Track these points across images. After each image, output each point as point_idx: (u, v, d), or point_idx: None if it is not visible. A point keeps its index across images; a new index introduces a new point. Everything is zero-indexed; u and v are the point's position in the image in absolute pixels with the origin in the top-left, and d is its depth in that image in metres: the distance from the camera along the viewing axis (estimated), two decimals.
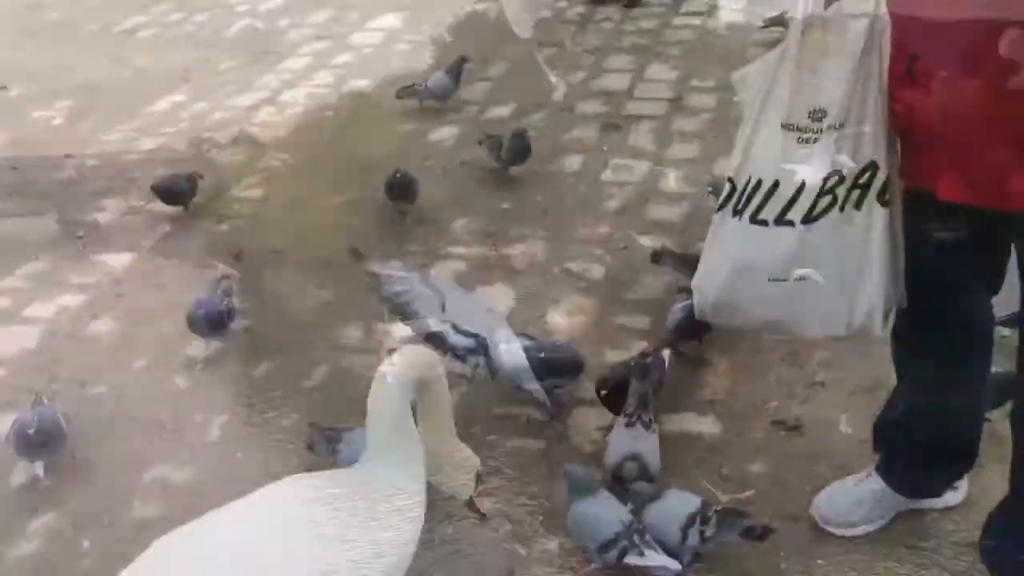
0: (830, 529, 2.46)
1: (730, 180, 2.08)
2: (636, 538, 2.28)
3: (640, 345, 3.23)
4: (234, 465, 2.86)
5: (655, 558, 2.26)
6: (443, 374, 2.04)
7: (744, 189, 2.05)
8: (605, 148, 4.63)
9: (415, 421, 1.99)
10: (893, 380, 2.50)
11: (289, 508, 1.86)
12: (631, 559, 2.27)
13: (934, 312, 2.11)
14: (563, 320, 3.40)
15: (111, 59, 6.30)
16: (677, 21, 6.12)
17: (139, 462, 2.88)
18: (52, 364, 3.37)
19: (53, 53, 6.47)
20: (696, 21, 6.11)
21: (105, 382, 3.26)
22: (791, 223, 2.00)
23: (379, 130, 5.06)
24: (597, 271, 3.69)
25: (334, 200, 4.39)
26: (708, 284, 2.17)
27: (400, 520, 1.88)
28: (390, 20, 6.57)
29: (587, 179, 4.38)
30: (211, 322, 3.27)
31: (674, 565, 2.25)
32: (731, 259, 2.09)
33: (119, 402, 3.16)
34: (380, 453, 1.91)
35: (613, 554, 2.29)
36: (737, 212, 2.07)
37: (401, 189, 4.09)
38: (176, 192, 4.25)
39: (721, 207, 2.12)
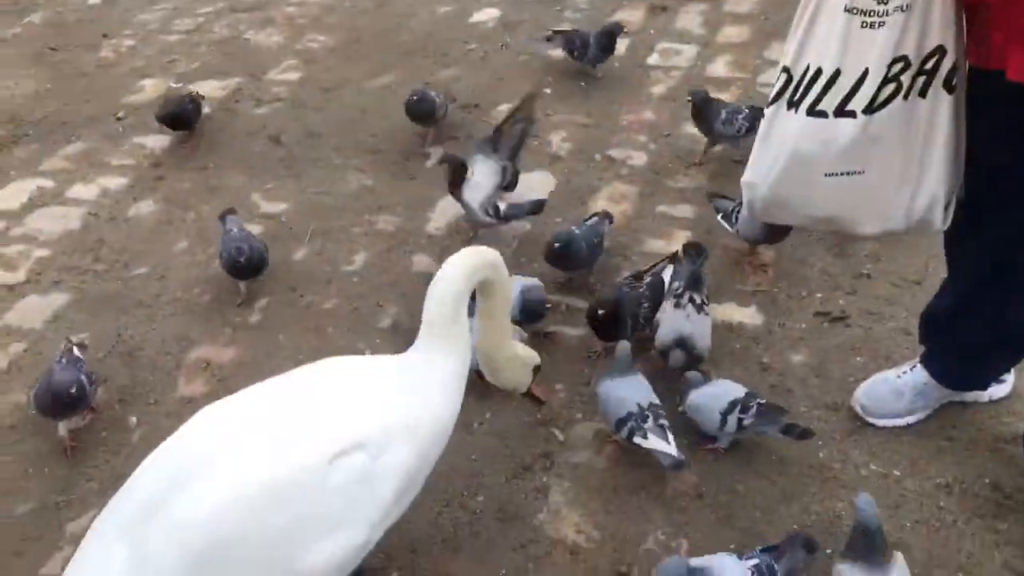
0: (870, 420, 2.44)
1: (785, 70, 1.96)
2: (649, 420, 2.29)
3: (683, 235, 3.18)
4: (275, 347, 2.89)
5: (656, 443, 2.27)
6: (507, 275, 2.03)
7: (801, 79, 1.92)
8: (652, 31, 4.47)
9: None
10: (941, 272, 2.45)
11: (328, 380, 1.88)
12: (637, 440, 2.29)
13: (994, 202, 2.02)
14: (604, 207, 3.34)
15: None
16: None
17: (183, 342, 2.92)
18: (95, 245, 3.39)
19: None
20: None
21: (147, 263, 3.29)
22: (852, 114, 1.89)
23: (419, 11, 4.92)
24: (640, 159, 3.61)
25: (373, 83, 4.30)
26: (760, 180, 2.06)
27: (437, 398, 1.90)
28: None
29: (632, 63, 4.24)
30: (249, 267, 3.01)
31: (673, 451, 2.25)
32: (785, 154, 1.98)
33: (162, 283, 3.20)
34: (429, 340, 1.92)
35: (624, 432, 2.32)
36: (793, 104, 1.95)
37: (418, 112, 3.71)
38: (181, 117, 3.89)
39: (775, 99, 2.00)
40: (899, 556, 1.91)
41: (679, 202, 3.35)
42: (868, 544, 1.88)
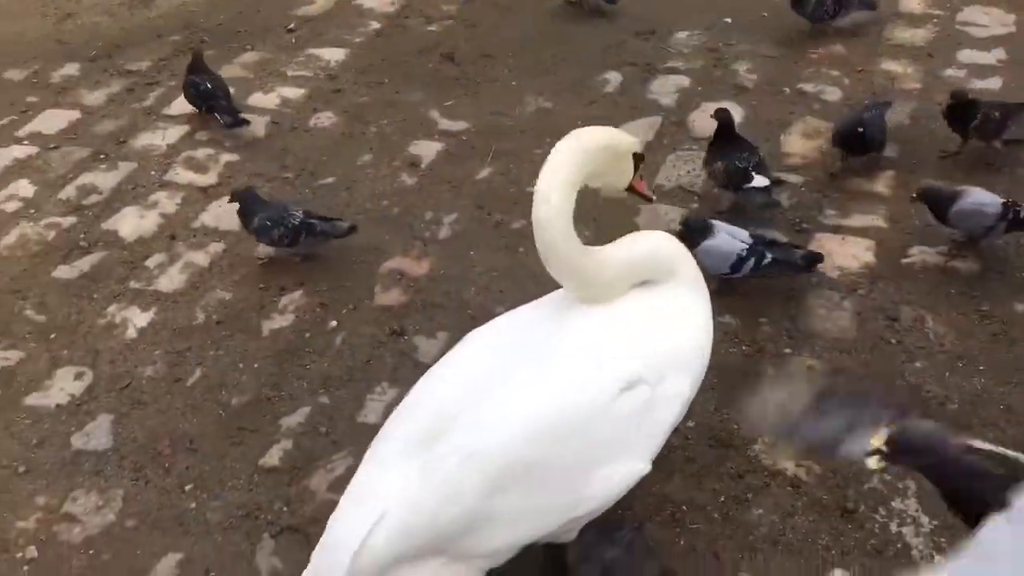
0: None
1: None
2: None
3: (887, 175, 3.05)
4: (467, 262, 2.89)
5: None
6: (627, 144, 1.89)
7: None
8: None
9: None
10: None
11: (592, 310, 1.84)
12: None
13: None
14: (798, 142, 3.23)
15: None
16: None
17: (377, 253, 2.94)
18: (281, 153, 3.43)
19: None
20: None
21: (333, 174, 3.31)
22: None
23: None
24: (834, 93, 3.47)
25: (545, 4, 4.21)
26: None
27: (699, 326, 1.88)
28: None
29: None
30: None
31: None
32: None
33: (349, 194, 3.21)
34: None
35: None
36: None
37: None
38: None
39: None
40: None
41: None
42: None
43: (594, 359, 1.73)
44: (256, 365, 2.60)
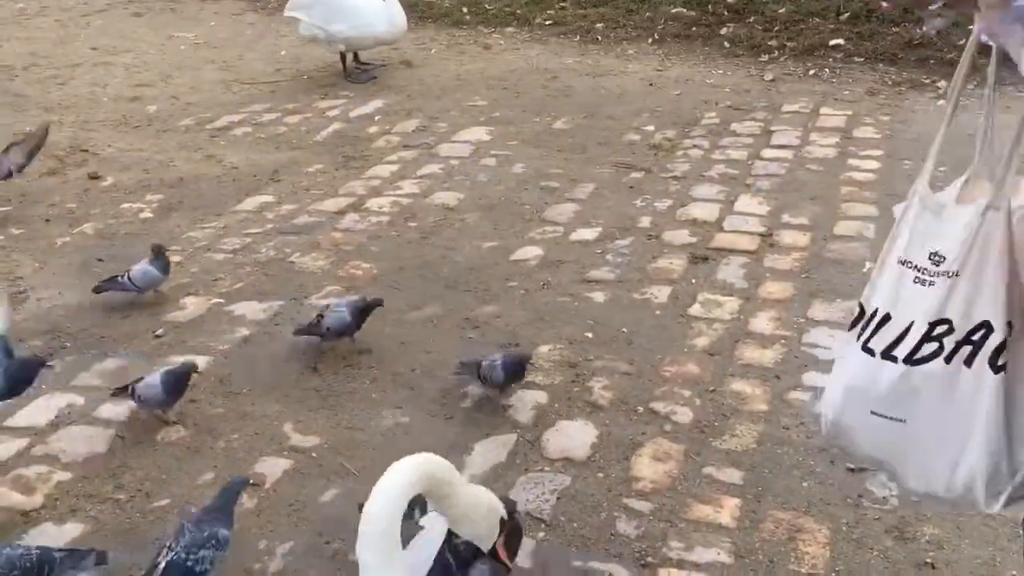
0: None
1: (860, 305, 2.07)
2: None
3: (733, 503, 3.03)
4: None
5: None
6: (455, 480, 1.99)
7: (871, 317, 2.03)
8: (693, 281, 4.50)
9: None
10: (1010, 565, 2.28)
11: None
12: None
13: None
14: (648, 465, 3.22)
15: (203, 155, 6.43)
16: (767, 153, 6.06)
17: None
18: (118, 471, 3.28)
19: (148, 146, 6.64)
20: (786, 154, 6.04)
21: (170, 494, 3.16)
22: (894, 359, 1.96)
23: (462, 245, 5.00)
24: (684, 414, 3.52)
25: (414, 315, 4.30)
26: (827, 403, 2.14)
27: None
28: (478, 133, 6.62)
29: (674, 312, 4.24)
30: None
31: None
32: (845, 381, 2.07)
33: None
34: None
35: None
36: (857, 337, 2.06)
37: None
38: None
39: (851, 326, 2.10)
40: None
41: (726, 465, 3.22)
42: None
43: None
44: None
